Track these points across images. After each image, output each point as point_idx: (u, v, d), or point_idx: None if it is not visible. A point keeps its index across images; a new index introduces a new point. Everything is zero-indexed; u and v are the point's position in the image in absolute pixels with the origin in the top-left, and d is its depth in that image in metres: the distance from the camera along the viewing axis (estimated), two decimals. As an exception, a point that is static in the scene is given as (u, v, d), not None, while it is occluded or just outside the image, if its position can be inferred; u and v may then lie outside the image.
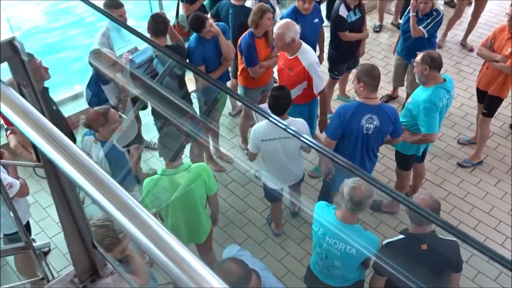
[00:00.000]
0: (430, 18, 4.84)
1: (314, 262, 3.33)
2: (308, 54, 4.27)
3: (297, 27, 4.16)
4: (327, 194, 4.25)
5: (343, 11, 4.98)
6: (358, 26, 5.12)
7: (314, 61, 4.27)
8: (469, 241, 1.48)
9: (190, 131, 4.41)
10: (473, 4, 6.74)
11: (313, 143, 1.22)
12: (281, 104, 3.71)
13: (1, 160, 3.46)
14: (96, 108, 3.69)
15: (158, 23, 4.19)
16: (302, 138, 1.23)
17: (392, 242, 3.06)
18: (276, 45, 4.33)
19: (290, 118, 3.80)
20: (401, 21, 5.30)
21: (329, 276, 3.24)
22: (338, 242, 2.99)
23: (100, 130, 3.56)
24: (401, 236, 3.06)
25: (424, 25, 4.86)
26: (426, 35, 4.89)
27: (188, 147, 4.69)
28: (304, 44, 4.28)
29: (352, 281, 3.24)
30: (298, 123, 3.76)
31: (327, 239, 3.03)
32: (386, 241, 3.11)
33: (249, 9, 4.94)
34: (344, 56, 5.29)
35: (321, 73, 4.37)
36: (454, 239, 2.94)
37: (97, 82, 4.15)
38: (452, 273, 3.03)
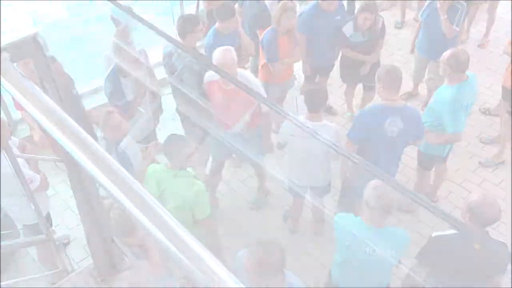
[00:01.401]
0: (458, 14, 4.74)
1: (343, 276, 3.19)
2: (249, 77, 3.95)
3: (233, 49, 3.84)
4: (348, 196, 4.19)
5: (348, 29, 4.75)
6: (365, 47, 4.86)
7: (258, 81, 3.98)
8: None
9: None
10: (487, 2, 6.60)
11: (336, 146, 1.21)
12: (316, 100, 3.61)
13: (23, 155, 3.52)
14: (104, 108, 3.70)
15: (177, 26, 4.16)
16: (321, 139, 1.22)
17: (442, 236, 2.93)
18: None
19: (325, 121, 3.71)
20: (420, 17, 5.19)
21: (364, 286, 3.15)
22: (377, 250, 2.91)
23: (103, 130, 3.56)
24: (452, 231, 2.90)
25: (456, 23, 4.75)
26: (458, 29, 4.82)
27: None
28: (239, 69, 3.93)
29: (385, 284, 3.18)
30: (328, 128, 3.67)
31: (366, 250, 2.94)
32: (436, 233, 3.00)
33: (262, 5, 4.90)
34: (342, 65, 5.19)
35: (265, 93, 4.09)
36: (504, 241, 2.86)
37: (116, 76, 4.17)
38: (498, 275, 2.90)
